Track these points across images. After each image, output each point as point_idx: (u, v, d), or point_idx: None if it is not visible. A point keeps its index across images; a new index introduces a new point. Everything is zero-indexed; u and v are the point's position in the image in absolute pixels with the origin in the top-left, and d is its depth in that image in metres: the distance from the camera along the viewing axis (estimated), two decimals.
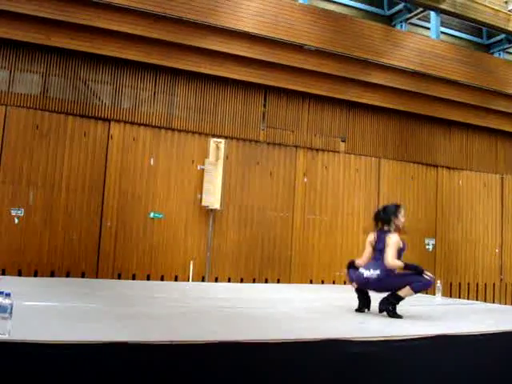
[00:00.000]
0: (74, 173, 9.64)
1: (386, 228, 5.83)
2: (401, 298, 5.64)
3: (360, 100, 11.91)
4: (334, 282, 11.32)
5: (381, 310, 5.68)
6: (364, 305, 5.97)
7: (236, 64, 10.59)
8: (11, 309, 3.36)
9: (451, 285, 12.76)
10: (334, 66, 11.28)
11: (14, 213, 9.16)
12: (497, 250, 13.55)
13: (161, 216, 10.16)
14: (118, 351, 3.36)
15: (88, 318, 4.61)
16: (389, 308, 5.62)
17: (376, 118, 12.35)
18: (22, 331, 3.42)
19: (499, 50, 15.42)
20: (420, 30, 14.22)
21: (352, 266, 6.15)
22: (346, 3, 13.65)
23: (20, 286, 6.63)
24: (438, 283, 8.91)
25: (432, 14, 13.45)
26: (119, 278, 9.71)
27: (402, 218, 5.89)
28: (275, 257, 11.02)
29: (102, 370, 3.30)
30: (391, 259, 5.57)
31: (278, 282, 10.96)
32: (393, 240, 5.67)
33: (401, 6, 13.72)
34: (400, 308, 5.62)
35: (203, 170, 10.44)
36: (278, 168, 11.27)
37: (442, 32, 14.04)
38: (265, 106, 11.25)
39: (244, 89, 11.01)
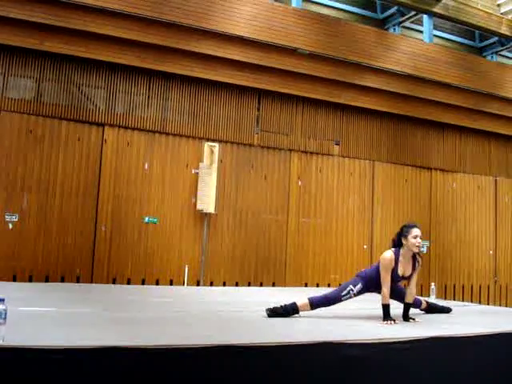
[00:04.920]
0: (69, 178, 9.62)
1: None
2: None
3: (354, 103, 11.95)
4: (329, 285, 11.31)
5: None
6: None
7: (230, 68, 10.61)
8: (5, 314, 3.35)
9: (446, 287, 12.79)
10: (328, 69, 11.32)
11: (8, 218, 9.14)
12: (491, 252, 13.60)
13: (155, 220, 10.16)
14: (113, 356, 3.36)
15: (83, 323, 4.60)
16: None
17: (370, 121, 12.39)
18: (16, 337, 3.41)
19: (492, 53, 15.49)
20: (413, 34, 14.28)
21: None
22: (339, 7, 13.69)
23: (14, 292, 6.61)
24: (433, 285, 8.91)
25: (425, 17, 13.50)
26: (114, 282, 9.70)
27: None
28: (270, 260, 11.03)
29: (97, 375, 3.29)
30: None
31: (273, 285, 10.97)
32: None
33: (394, 9, 13.75)
34: (394, 310, 5.63)
35: (197, 173, 10.44)
36: (273, 171, 11.28)
37: (435, 35, 14.09)
38: (259, 109, 11.27)
39: (238, 93, 11.03)
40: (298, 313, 5.59)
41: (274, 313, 5.51)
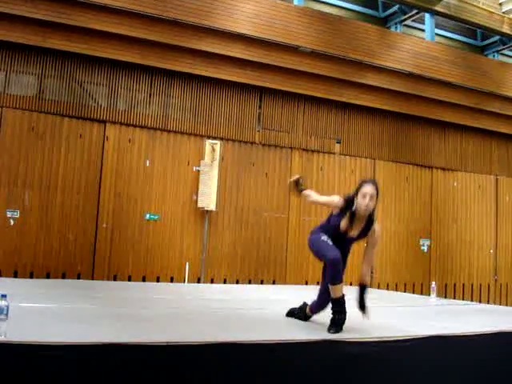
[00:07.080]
0: (70, 174, 9.64)
1: None
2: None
3: (355, 102, 11.94)
4: None
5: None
6: None
7: (231, 66, 10.61)
8: (7, 310, 3.37)
9: (446, 285, 12.79)
10: (330, 67, 11.32)
11: (9, 214, 9.16)
12: (491, 251, 13.60)
13: (156, 217, 10.17)
14: (114, 352, 3.38)
15: (84, 320, 4.62)
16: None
17: (371, 120, 12.39)
18: (18, 332, 3.43)
19: (493, 52, 15.47)
20: (415, 32, 14.26)
21: None
22: (341, 5, 13.68)
23: (16, 288, 6.64)
24: (433, 284, 8.94)
25: (427, 15, 13.49)
26: (115, 279, 9.72)
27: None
28: (271, 258, 11.04)
29: (98, 371, 3.31)
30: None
31: (274, 283, 10.98)
32: None
33: (395, 7, 13.74)
34: (395, 309, 5.64)
35: (199, 171, 10.45)
36: (274, 169, 11.29)
37: (437, 34, 14.08)
38: (260, 107, 11.27)
39: (239, 90, 11.03)
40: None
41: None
